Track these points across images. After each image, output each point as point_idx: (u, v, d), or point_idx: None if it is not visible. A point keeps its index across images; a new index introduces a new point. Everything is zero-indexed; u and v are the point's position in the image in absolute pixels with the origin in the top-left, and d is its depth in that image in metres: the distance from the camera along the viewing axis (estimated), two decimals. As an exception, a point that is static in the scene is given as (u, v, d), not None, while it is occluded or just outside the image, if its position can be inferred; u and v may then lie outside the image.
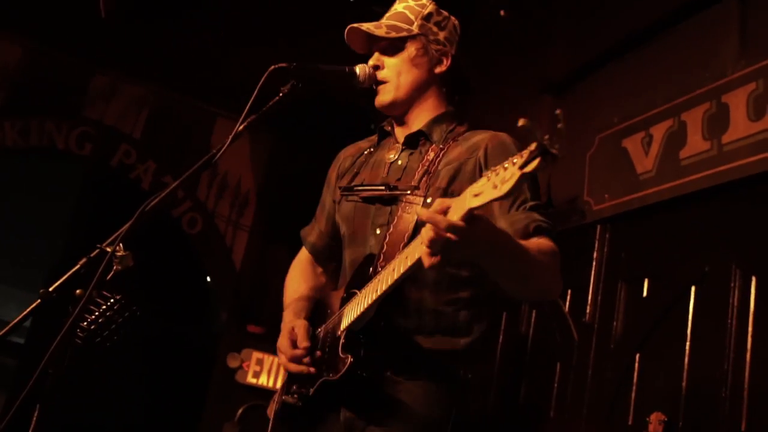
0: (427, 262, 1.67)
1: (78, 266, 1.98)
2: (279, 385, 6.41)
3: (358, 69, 2.34)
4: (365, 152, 2.51)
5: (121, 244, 1.99)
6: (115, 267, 1.97)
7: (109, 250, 1.97)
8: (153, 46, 6.06)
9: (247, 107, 2.18)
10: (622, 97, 4.88)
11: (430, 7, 2.39)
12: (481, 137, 2.26)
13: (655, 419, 3.54)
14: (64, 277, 1.96)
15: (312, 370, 2.12)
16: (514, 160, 1.46)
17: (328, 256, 2.62)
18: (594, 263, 4.75)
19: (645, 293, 4.34)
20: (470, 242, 1.63)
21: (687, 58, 4.43)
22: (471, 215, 1.60)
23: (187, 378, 7.03)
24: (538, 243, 1.98)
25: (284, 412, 2.32)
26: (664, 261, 4.25)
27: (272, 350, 6.42)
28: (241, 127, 2.20)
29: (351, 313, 2.07)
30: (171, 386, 7.26)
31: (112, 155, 6.56)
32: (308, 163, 7.24)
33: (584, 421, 4.41)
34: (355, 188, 2.38)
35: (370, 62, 2.36)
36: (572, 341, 4.74)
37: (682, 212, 4.20)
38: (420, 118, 2.36)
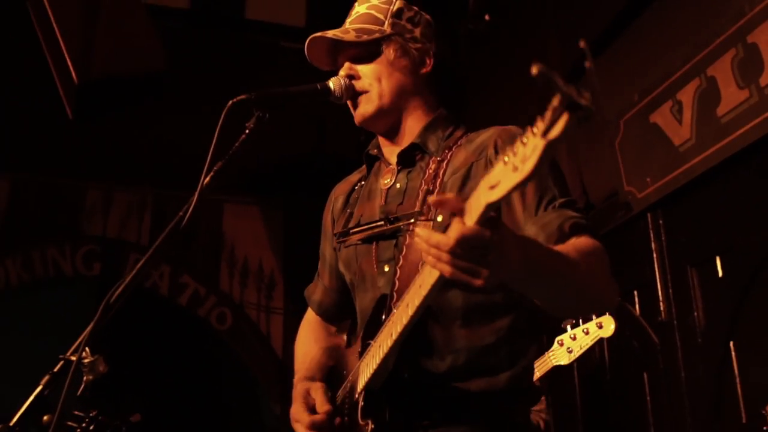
0: (477, 282, 1.31)
1: (40, 387, 1.60)
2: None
3: (332, 83, 1.99)
4: (356, 186, 2.15)
5: (87, 349, 1.61)
6: (85, 378, 1.60)
7: (74, 359, 1.60)
8: (138, 147, 5.84)
9: (210, 155, 1.86)
10: (637, 72, 4.51)
11: (398, 3, 2.06)
12: (487, 135, 1.92)
13: (773, 410, 3.06)
14: (26, 405, 1.58)
15: None
16: (534, 129, 1.10)
17: (338, 313, 2.26)
18: (654, 255, 4.30)
19: (720, 273, 3.86)
20: (500, 253, 1.29)
21: (696, 10, 4.07)
22: (490, 217, 1.25)
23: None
24: (576, 244, 1.62)
25: None
26: (732, 233, 3.79)
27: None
28: (207, 179, 1.85)
29: (367, 368, 1.72)
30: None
31: (122, 269, 6.28)
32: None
33: (690, 430, 3.90)
34: (351, 231, 2.03)
35: (342, 73, 2.01)
36: (653, 345, 4.26)
37: (737, 174, 3.77)
38: (411, 130, 2.01)
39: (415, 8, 2.11)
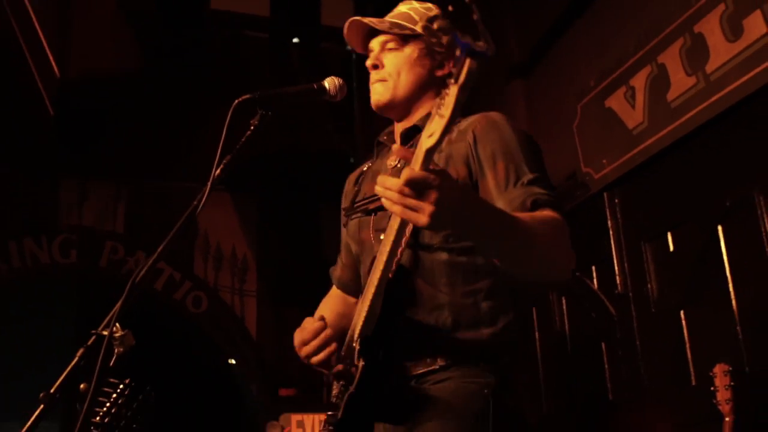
0: (422, 219, 1.50)
1: (76, 359, 1.78)
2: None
3: (327, 83, 2.18)
4: (365, 169, 2.37)
5: (117, 324, 1.79)
6: (116, 350, 1.78)
7: (105, 333, 1.78)
8: (111, 140, 5.95)
9: (219, 148, 2.02)
10: (592, 59, 4.76)
11: (435, 11, 2.26)
12: (470, 120, 2.10)
13: (720, 371, 3.30)
14: (64, 374, 1.76)
15: (328, 332, 2.01)
16: (450, 80, 1.37)
17: (355, 287, 2.45)
18: (611, 232, 4.57)
19: (671, 247, 4.15)
20: (442, 194, 1.49)
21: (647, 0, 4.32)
22: (438, 168, 1.51)
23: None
24: (534, 214, 1.82)
25: None
26: (682, 209, 4.07)
27: (310, 409, 6.22)
28: (218, 171, 2.03)
29: (360, 317, 1.90)
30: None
31: (99, 256, 6.40)
32: (297, 216, 7.17)
33: (647, 395, 4.20)
34: (355, 205, 2.26)
35: (369, 62, 2.22)
36: (610, 316, 4.54)
37: (686, 155, 4.04)
38: (416, 116, 2.21)
39: (448, 20, 2.31)
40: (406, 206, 1.50)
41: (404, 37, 2.17)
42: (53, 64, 3.79)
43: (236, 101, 2.03)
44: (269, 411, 6.15)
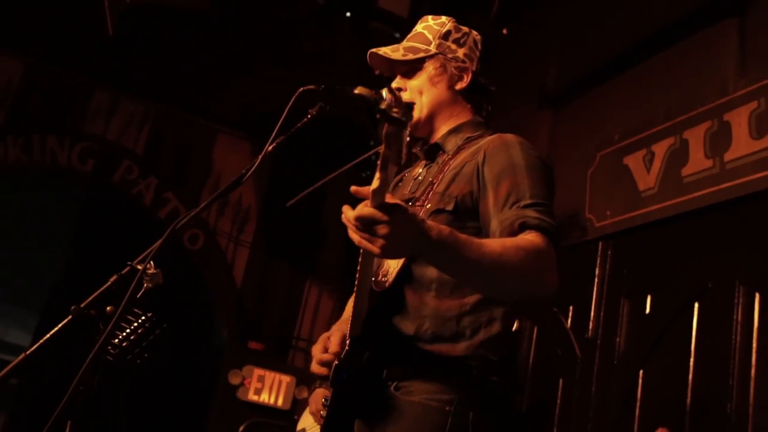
0: (374, 249, 1.65)
1: (109, 283, 2.00)
2: (280, 402, 6.48)
3: (385, 92, 2.37)
4: (404, 174, 2.56)
5: (152, 262, 2.01)
6: (145, 284, 1.99)
7: (140, 267, 2.00)
8: (154, 64, 6.13)
9: (276, 128, 2.21)
10: (622, 114, 4.95)
11: (449, 25, 2.42)
12: (486, 140, 2.22)
13: (661, 434, 3.56)
14: (96, 293, 1.98)
15: (325, 371, 2.11)
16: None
17: None
18: (596, 279, 4.80)
19: (647, 309, 4.38)
20: (393, 229, 1.62)
21: (687, 76, 4.51)
22: (391, 204, 1.63)
23: (190, 394, 7.04)
24: (514, 239, 1.88)
25: None
26: (667, 277, 4.30)
27: (273, 367, 6.44)
28: (270, 148, 2.22)
29: (350, 318, 2.06)
30: (174, 402, 7.25)
31: (114, 171, 6.59)
32: (308, 180, 7.32)
33: (588, 437, 4.44)
34: None
35: (393, 85, 2.39)
36: (574, 357, 4.77)
37: (684, 229, 4.26)
38: (440, 132, 2.39)
39: (465, 29, 2.48)
40: (360, 237, 1.65)
41: (419, 60, 2.34)
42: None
43: (300, 89, 2.19)
44: (234, 359, 6.39)
